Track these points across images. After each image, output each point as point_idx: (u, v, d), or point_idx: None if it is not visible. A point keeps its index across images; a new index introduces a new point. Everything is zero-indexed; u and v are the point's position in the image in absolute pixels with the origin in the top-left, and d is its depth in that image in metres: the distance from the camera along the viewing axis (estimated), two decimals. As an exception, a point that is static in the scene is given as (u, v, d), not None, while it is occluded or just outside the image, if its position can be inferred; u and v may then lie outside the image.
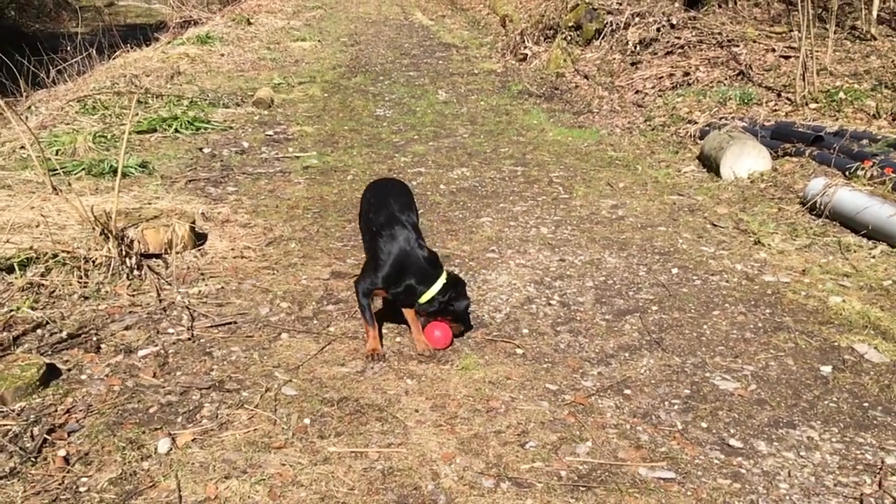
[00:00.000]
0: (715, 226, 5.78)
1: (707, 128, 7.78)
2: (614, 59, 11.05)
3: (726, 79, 9.17)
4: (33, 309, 4.15)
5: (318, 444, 3.11)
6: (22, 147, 7.54)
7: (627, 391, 3.58)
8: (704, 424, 3.34)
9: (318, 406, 3.39)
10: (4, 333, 3.87)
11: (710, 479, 2.99)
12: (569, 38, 11.93)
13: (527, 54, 12.16)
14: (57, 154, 7.14)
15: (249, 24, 14.73)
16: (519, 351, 3.92)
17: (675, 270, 4.97)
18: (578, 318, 4.30)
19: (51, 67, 9.85)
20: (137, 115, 8.49)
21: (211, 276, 4.76)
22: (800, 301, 4.55)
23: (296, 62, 12.10)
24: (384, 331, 4.12)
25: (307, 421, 3.28)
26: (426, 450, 3.10)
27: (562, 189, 6.65)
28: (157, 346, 3.89)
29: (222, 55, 11.90)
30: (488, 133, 8.57)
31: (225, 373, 3.66)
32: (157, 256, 4.96)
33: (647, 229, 5.71)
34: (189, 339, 3.98)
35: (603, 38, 11.62)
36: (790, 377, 3.75)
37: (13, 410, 3.26)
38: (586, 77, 10.78)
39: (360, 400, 3.45)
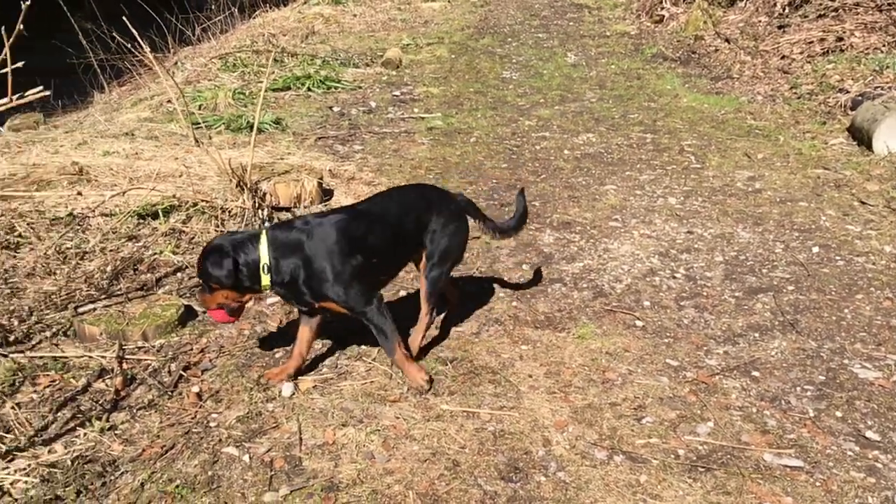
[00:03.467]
0: (863, 203, 5.34)
1: (860, 98, 7.15)
2: (759, 21, 10.35)
3: (884, 45, 8.38)
4: (174, 253, 4.42)
5: (431, 401, 3.15)
6: (168, 101, 8.01)
7: (755, 373, 3.39)
8: (839, 414, 3.12)
9: (432, 364, 3.43)
10: (148, 275, 4.15)
11: (842, 470, 2.79)
12: (710, -2, 11.27)
13: (664, 15, 11.60)
14: (200, 108, 7.52)
15: (382, -16, 14.86)
16: (639, 323, 3.80)
17: (815, 249, 4.64)
18: (705, 293, 4.11)
19: (196, 25, 10.35)
20: (273, 73, 8.80)
21: (336, 231, 4.89)
22: (958, 290, 4.14)
23: (425, 23, 12.13)
24: (500, 294, 4.10)
25: (422, 377, 3.32)
26: (538, 416, 3.07)
27: (694, 158, 6.34)
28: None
29: (355, 16, 12.10)
30: (617, 98, 8.28)
31: (346, 325, 3.77)
32: (287, 209, 5.15)
33: (786, 204, 5.35)
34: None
35: (748, -2, 10.87)
36: (942, 372, 3.43)
37: (153, 346, 3.50)
38: (727, 40, 10.17)
39: (474, 361, 3.46)
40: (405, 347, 3.30)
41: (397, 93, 8.54)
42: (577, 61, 9.89)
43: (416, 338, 3.45)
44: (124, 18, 4.84)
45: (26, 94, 2.55)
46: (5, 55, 2.47)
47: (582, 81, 8.96)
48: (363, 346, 3.56)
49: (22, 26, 2.54)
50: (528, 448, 2.88)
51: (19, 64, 2.57)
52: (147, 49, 4.92)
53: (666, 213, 5.20)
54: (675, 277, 4.29)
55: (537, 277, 4.26)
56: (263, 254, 3.01)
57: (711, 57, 9.85)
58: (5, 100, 2.48)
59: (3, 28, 2.52)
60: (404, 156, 6.45)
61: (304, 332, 3.27)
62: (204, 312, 3.75)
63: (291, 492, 2.63)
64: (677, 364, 3.44)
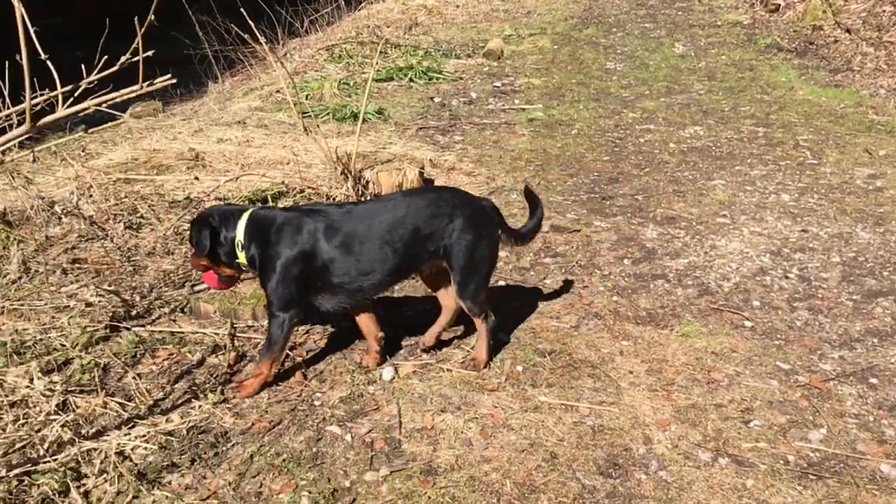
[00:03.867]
0: None
1: None
2: (884, 10, 9.70)
3: None
4: (281, 237, 4.58)
5: (529, 392, 3.15)
6: (278, 91, 8.29)
7: (873, 380, 3.20)
8: (969, 430, 2.91)
9: (531, 355, 3.42)
10: (258, 257, 4.31)
11: (970, 491, 2.61)
12: (831, -15, 10.65)
13: (779, 4, 11.05)
14: (307, 98, 7.75)
15: (485, -25, 14.83)
16: (747, 323, 3.66)
17: (944, 253, 4.34)
18: (820, 295, 3.91)
19: (304, 18, 10.64)
20: (377, 64, 8.96)
21: (436, 220, 4.93)
22: None
23: (528, 13, 12.03)
24: (600, 288, 4.03)
25: (520, 368, 3.32)
26: (639, 413, 3.01)
27: (809, 154, 6.03)
28: (384, 281, 4.12)
29: (457, 7, 12.14)
30: (727, 90, 7.97)
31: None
32: (389, 198, 5.23)
33: (911, 204, 5.02)
34: (413, 278, 4.17)
35: (873, -15, 10.20)
36: None
37: (262, 326, 3.65)
38: (848, 31, 9.59)
39: (573, 354, 3.43)
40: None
41: (498, 84, 8.52)
42: (685, 52, 9.57)
43: (480, 353, 3.30)
44: (242, 11, 5.03)
45: (154, 81, 2.69)
46: (137, 44, 2.61)
47: (690, 72, 8.67)
48: (460, 334, 3.59)
49: (153, 17, 2.67)
50: (628, 445, 2.83)
51: (149, 53, 2.71)
52: (263, 41, 5.10)
53: (778, 210, 4.97)
54: (787, 278, 4.10)
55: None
56: (240, 231, 3.05)
57: (830, 48, 9.32)
58: (136, 87, 2.62)
59: (136, 18, 2.66)
60: (504, 147, 6.43)
61: (360, 318, 3.32)
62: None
63: (391, 472, 2.69)
64: (788, 367, 3.29)
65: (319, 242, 3.04)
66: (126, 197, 4.84)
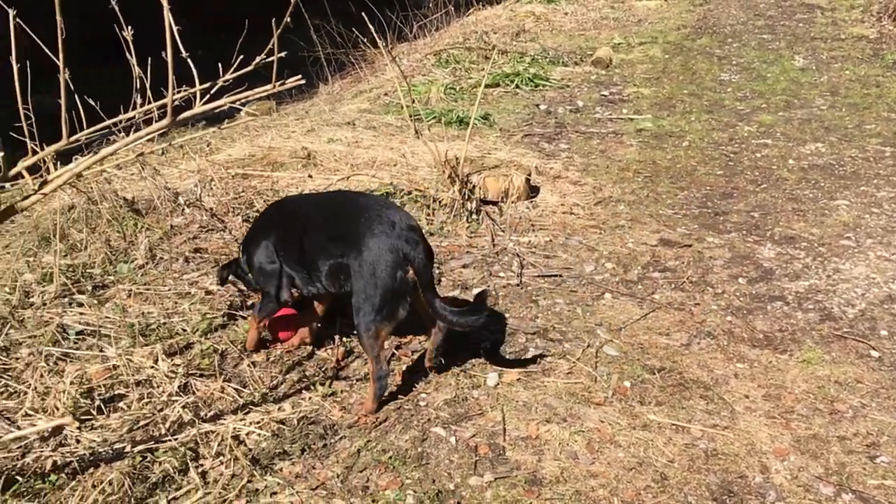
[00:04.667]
0: None
1: None
2: None
3: None
4: (389, 238, 4.65)
5: (637, 409, 3.07)
6: (385, 94, 8.46)
7: None
8: None
9: (639, 371, 3.34)
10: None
11: None
12: (972, -3, 9.94)
13: (911, 17, 10.41)
14: (414, 102, 7.86)
15: (596, -18, 14.65)
16: (874, 353, 3.44)
17: None
18: (957, 328, 3.64)
19: (413, 23, 10.81)
20: (484, 70, 8.99)
21: (540, 228, 4.91)
22: None
23: (638, 22, 11.79)
24: (713, 307, 3.89)
25: (627, 384, 3.24)
26: (755, 440, 2.88)
27: (944, 176, 5.64)
28: (488, 286, 4.12)
29: (566, 14, 12.03)
30: (851, 106, 7.56)
31: (549, 322, 3.77)
32: (494, 203, 5.24)
33: None
34: (517, 284, 4.16)
35: None
36: None
37: (369, 323, 3.71)
38: None
39: (683, 374, 3.32)
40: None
41: (606, 92, 8.38)
42: (805, 65, 9.15)
43: (367, 399, 3.03)
44: (362, 15, 5.15)
45: (286, 81, 2.78)
46: (273, 45, 2.70)
47: (811, 87, 8.27)
48: (566, 345, 3.54)
49: (289, 19, 2.76)
50: (743, 472, 2.72)
51: (283, 54, 2.81)
52: (382, 44, 5.20)
53: (909, 235, 4.67)
54: (919, 307, 3.84)
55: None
56: None
57: (970, 63, 8.70)
58: (269, 86, 2.72)
59: (273, 20, 2.76)
60: (611, 157, 6.32)
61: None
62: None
63: (495, 479, 2.68)
64: (921, 404, 3.08)
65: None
66: (243, 191, 5.04)
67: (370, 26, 5.14)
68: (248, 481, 2.63)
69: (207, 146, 5.73)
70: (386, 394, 3.08)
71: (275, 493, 2.60)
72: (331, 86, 10.01)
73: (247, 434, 2.87)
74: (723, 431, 2.93)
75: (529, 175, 5.56)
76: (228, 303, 3.77)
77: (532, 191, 5.47)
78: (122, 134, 4.10)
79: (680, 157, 6.27)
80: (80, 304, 3.66)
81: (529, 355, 3.46)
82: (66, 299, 3.69)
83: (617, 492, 2.61)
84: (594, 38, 10.73)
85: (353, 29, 7.32)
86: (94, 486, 2.50)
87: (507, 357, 3.44)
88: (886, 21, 10.89)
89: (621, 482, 2.66)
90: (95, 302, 3.68)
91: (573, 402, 3.11)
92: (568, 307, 3.91)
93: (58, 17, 2.41)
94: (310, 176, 5.27)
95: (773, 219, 4.99)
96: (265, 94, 2.98)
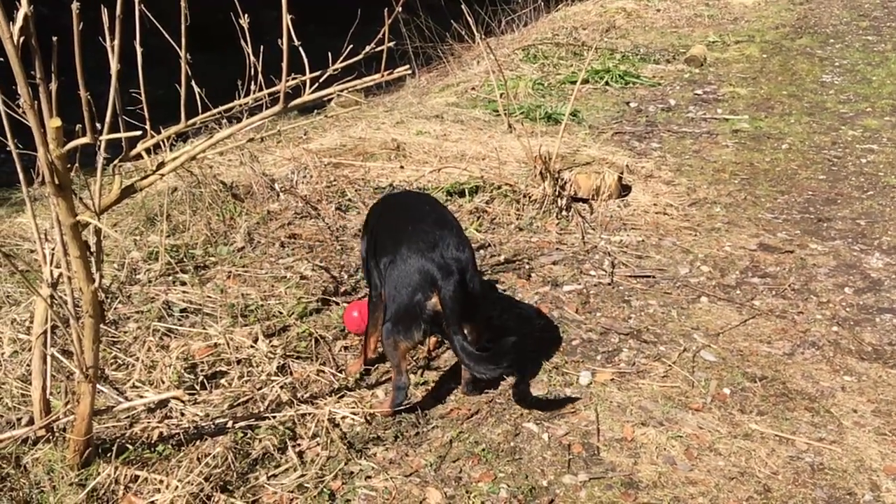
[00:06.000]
0: None
1: None
2: None
3: None
4: (478, 231, 4.65)
5: (737, 418, 2.97)
6: (472, 88, 8.45)
7: None
8: None
9: (739, 378, 3.23)
10: (456, 248, 4.40)
11: None
12: None
13: None
14: (501, 97, 7.83)
15: (688, -21, 14.26)
16: None
17: None
18: None
19: (502, 18, 10.76)
20: (571, 66, 8.89)
21: (632, 228, 4.81)
22: None
23: (734, 20, 11.41)
24: (818, 316, 3.73)
25: (727, 391, 3.14)
26: (864, 456, 2.75)
27: None
28: (579, 284, 4.07)
29: (658, 10, 11.76)
30: (967, 112, 7.12)
31: (643, 323, 3.69)
32: (584, 201, 5.16)
33: None
34: (609, 283, 4.09)
35: None
36: None
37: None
38: None
39: (786, 384, 3.19)
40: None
41: (699, 91, 8.15)
42: (915, 67, 8.67)
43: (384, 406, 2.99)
44: (463, 7, 5.15)
45: (394, 71, 2.80)
46: (384, 34, 2.73)
47: (921, 90, 7.84)
48: (661, 348, 3.46)
49: (400, 9, 2.78)
50: (851, 489, 2.59)
51: (391, 44, 2.83)
52: (479, 36, 5.19)
53: None
54: None
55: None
56: None
57: None
58: (377, 75, 2.74)
59: (385, 10, 2.78)
60: (706, 157, 6.14)
61: None
62: (504, 290, 3.92)
63: (590, 479, 2.64)
64: None
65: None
66: (336, 180, 5.12)
67: (464, 19, 5.13)
68: (345, 464, 2.66)
69: (304, 134, 5.85)
70: (491, 388, 3.07)
71: (369, 476, 2.63)
72: (418, 79, 10.07)
73: (342, 418, 2.91)
74: (829, 446, 2.80)
75: (622, 173, 5.46)
76: (322, 288, 3.84)
77: (624, 189, 5.36)
78: (226, 121, 4.22)
79: (779, 160, 6.03)
80: (184, 283, 3.79)
81: (623, 356, 3.39)
82: (171, 278, 3.84)
83: (717, 501, 2.53)
84: (687, 36, 10.45)
85: (451, 21, 7.33)
86: (198, 459, 2.59)
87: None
88: None
89: (722, 491, 2.58)
90: (197, 281, 3.81)
91: (670, 406, 3.03)
92: (662, 309, 3.82)
93: (182, 3, 2.49)
94: (401, 167, 5.31)
95: (882, 227, 4.74)
96: (373, 83, 3.02)
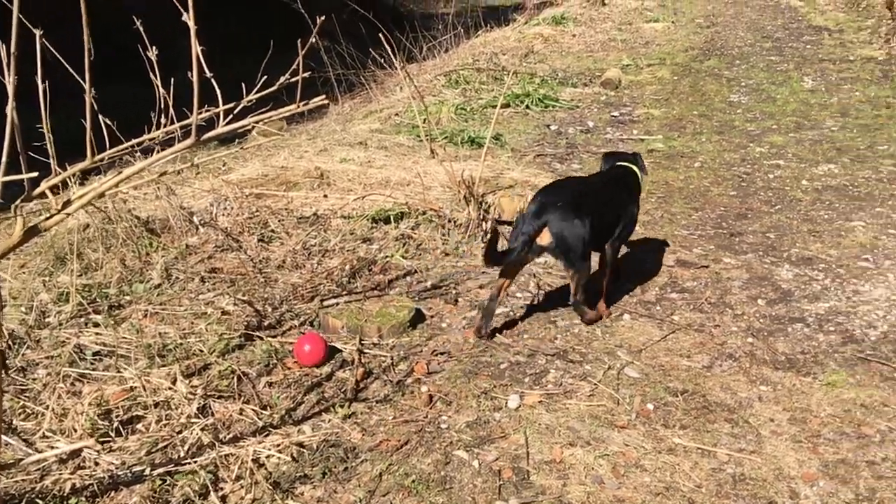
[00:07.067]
0: None
1: None
2: None
3: None
4: (404, 257, 4.64)
5: (661, 433, 3.02)
6: (396, 114, 8.48)
7: None
8: None
9: (661, 394, 3.30)
10: (381, 276, 4.38)
11: None
12: (980, 20, 9.98)
13: (919, 39, 10.44)
14: (424, 122, 7.88)
15: (604, 4, 14.78)
16: (900, 377, 3.40)
17: None
18: (983, 351, 3.60)
19: (423, 44, 10.87)
20: (493, 91, 9.03)
21: (556, 249, 4.87)
22: None
23: (646, 43, 11.86)
24: (733, 328, 3.86)
25: (650, 406, 3.20)
26: (783, 464, 2.84)
27: (960, 198, 5.61)
28: (506, 307, 4.10)
29: (574, 35, 12.12)
30: (863, 127, 7.55)
31: (568, 343, 3.74)
32: (509, 223, 5.21)
33: None
34: (535, 305, 4.13)
35: None
36: None
37: (387, 344, 3.68)
38: None
39: (706, 396, 3.28)
40: None
41: (616, 113, 8.41)
42: (815, 86, 9.17)
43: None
44: (381, 36, 5.17)
45: (310, 102, 2.77)
46: (298, 64, 2.70)
47: (821, 108, 8.28)
48: (586, 367, 3.51)
49: (315, 39, 2.76)
50: (772, 498, 2.67)
51: (306, 74, 2.80)
52: (398, 63, 5.22)
53: (928, 256, 4.64)
54: (943, 330, 3.80)
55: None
56: None
57: (980, 85, 8.70)
58: (293, 105, 2.71)
59: (299, 41, 2.75)
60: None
61: None
62: (432, 317, 3.92)
63: (520, 504, 2.63)
64: (951, 428, 3.04)
65: None
66: (258, 211, 5.03)
67: (384, 47, 5.15)
68: (270, 505, 2.59)
69: (223, 166, 5.74)
70: (420, 417, 3.05)
71: (296, 517, 2.56)
72: (341, 106, 10.05)
73: (267, 457, 2.83)
74: (749, 456, 2.88)
75: (543, 195, 5.55)
76: (245, 323, 3.74)
77: (546, 211, 5.44)
78: (140, 154, 4.10)
79: (693, 178, 6.26)
80: (97, 325, 3.64)
81: (550, 377, 3.42)
82: (83, 319, 3.68)
83: (645, 517, 2.57)
84: (603, 60, 10.79)
85: (370, 49, 7.35)
86: (114, 510, 2.47)
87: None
88: (895, 43, 10.92)
89: (649, 508, 2.61)
90: (112, 322, 3.66)
91: (596, 425, 3.07)
92: (587, 328, 3.88)
93: (85, 38, 2.41)
94: (325, 196, 5.26)
95: (790, 240, 4.96)
96: (288, 113, 2.98)
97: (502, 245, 3.65)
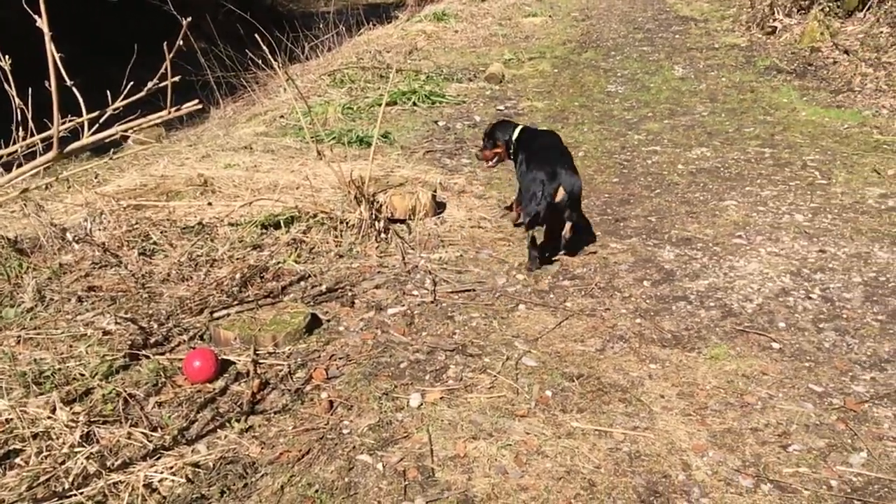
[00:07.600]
0: None
1: None
2: (881, 32, 9.82)
3: None
4: (297, 262, 4.54)
5: (560, 418, 3.10)
6: (281, 116, 8.29)
7: (908, 402, 3.17)
8: None
9: (558, 380, 3.37)
10: (274, 283, 4.27)
11: None
12: (827, 9, 10.78)
13: (776, 27, 11.18)
14: (309, 124, 7.74)
15: (483, 0, 14.98)
16: (775, 345, 3.62)
17: (963, 272, 4.33)
18: (845, 315, 3.88)
19: (305, 44, 10.68)
20: (379, 89, 8.98)
21: (450, 244, 4.91)
22: None
23: (526, 37, 12.12)
24: (622, 311, 4.00)
25: (549, 393, 3.27)
26: (675, 438, 2.96)
27: (818, 174, 6.04)
28: (403, 306, 4.08)
29: (456, 31, 12.22)
30: (730, 111, 8.01)
31: (467, 337, 3.76)
32: (402, 222, 5.21)
33: (925, 223, 5.03)
34: (432, 301, 4.14)
35: (868, 9, 10.37)
36: None
37: (283, 353, 3.59)
38: (846, 52, 9.69)
39: (601, 378, 3.38)
40: None
41: (501, 107, 8.54)
42: (685, 74, 9.64)
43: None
44: (257, 37, 5.02)
45: (183, 107, 2.65)
46: (165, 69, 2.58)
47: (691, 94, 8.73)
48: (485, 360, 3.55)
49: (181, 42, 2.65)
50: (666, 471, 2.78)
51: (176, 78, 2.68)
52: (278, 65, 5.08)
53: (794, 230, 4.96)
54: (810, 298, 4.07)
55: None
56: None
57: (829, 69, 9.41)
58: (164, 112, 2.59)
59: (165, 44, 2.63)
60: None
61: None
62: (328, 321, 3.86)
63: (427, 503, 2.63)
64: (821, 390, 3.26)
65: None
66: (137, 223, 4.79)
67: (265, 48, 5.02)
68: (166, 532, 2.46)
69: (95, 178, 5.43)
70: (320, 425, 2.98)
71: (196, 541, 2.45)
72: (223, 110, 9.74)
73: (160, 481, 2.70)
74: (643, 433, 2.99)
75: (435, 191, 5.57)
76: (130, 342, 3.55)
77: (439, 207, 5.48)
78: (1, 170, 3.81)
79: (577, 167, 6.42)
80: (-38, 356, 3.35)
81: (450, 373, 3.43)
82: (-55, 351, 3.38)
83: (548, 503, 2.62)
84: (485, 55, 10.94)
85: (247, 51, 7.13)
86: (-10, 556, 2.28)
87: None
88: (755, 30, 11.64)
89: (552, 493, 2.66)
90: (-21, 352, 3.39)
91: (498, 417, 3.10)
92: (484, 321, 3.92)
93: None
94: (209, 203, 5.07)
95: (670, 222, 5.19)
96: (160, 120, 2.84)
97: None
